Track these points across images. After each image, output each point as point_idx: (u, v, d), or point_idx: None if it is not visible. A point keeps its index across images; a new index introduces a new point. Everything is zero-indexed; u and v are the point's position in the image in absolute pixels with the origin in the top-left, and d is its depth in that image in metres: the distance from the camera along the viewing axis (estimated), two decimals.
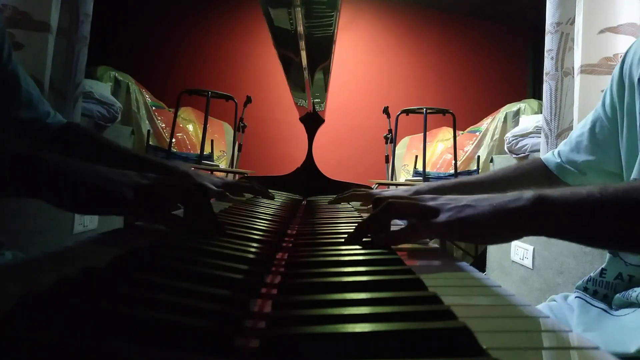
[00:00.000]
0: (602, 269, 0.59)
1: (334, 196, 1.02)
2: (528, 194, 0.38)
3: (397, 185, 2.56)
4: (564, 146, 0.73)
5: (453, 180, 0.85)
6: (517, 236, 0.39)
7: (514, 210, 0.38)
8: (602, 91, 1.28)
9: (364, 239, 0.45)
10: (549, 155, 0.76)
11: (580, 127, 0.71)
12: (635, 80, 0.57)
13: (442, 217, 0.40)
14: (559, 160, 0.73)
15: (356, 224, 0.47)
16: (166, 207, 0.47)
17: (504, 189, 0.49)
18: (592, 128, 0.68)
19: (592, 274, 0.60)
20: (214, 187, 0.85)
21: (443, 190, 0.85)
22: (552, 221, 0.37)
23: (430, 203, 0.43)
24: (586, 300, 0.59)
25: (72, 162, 0.40)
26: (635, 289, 0.53)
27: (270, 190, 0.99)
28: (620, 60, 0.63)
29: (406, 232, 0.44)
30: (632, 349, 0.46)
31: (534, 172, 0.76)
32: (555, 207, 0.37)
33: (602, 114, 0.66)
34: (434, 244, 0.52)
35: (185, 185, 0.47)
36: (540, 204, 0.37)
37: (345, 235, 0.47)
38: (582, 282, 0.62)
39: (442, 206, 0.42)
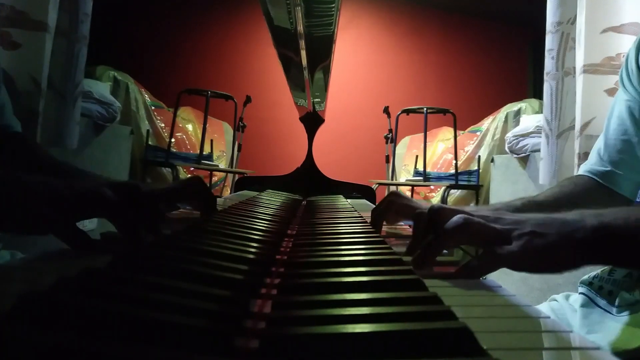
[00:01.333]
0: (611, 268, 0.59)
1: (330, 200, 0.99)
2: (591, 221, 0.38)
3: (397, 185, 2.56)
4: (605, 151, 0.67)
5: (518, 202, 0.70)
6: (583, 266, 0.39)
7: (580, 242, 0.37)
8: (605, 91, 1.28)
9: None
10: (593, 168, 0.69)
11: (615, 128, 0.66)
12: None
13: (515, 246, 0.38)
14: (601, 168, 0.67)
15: (359, 225, 0.46)
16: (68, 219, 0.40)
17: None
18: (631, 114, 0.63)
19: (599, 272, 0.60)
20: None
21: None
22: (611, 254, 0.38)
23: (499, 227, 0.39)
24: (589, 298, 0.59)
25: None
26: None
27: (270, 190, 0.99)
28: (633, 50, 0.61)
29: (488, 263, 0.39)
30: (633, 345, 0.46)
31: (586, 191, 0.69)
32: (620, 238, 0.37)
33: (630, 100, 0.62)
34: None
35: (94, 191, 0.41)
36: (606, 235, 0.37)
37: (345, 236, 0.47)
38: (587, 277, 0.61)
39: (510, 232, 0.39)
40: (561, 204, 0.67)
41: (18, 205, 0.37)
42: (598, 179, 0.67)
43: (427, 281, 0.31)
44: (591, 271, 0.62)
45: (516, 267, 0.38)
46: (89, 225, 1.67)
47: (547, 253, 0.37)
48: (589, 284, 0.60)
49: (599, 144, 0.69)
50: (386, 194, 0.88)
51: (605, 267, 0.60)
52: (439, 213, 0.42)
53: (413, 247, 0.45)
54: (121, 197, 0.42)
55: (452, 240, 0.40)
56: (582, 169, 0.71)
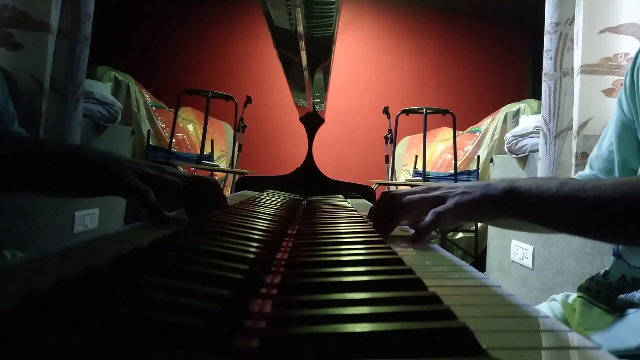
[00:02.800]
0: (606, 270, 0.59)
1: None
2: (503, 184, 0.50)
3: (397, 185, 2.56)
4: (595, 160, 0.70)
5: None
6: (494, 218, 0.52)
7: (492, 198, 0.50)
8: (603, 91, 1.29)
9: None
10: (581, 172, 0.73)
11: (607, 137, 0.68)
12: None
13: (449, 202, 0.52)
14: (593, 172, 0.70)
15: (356, 224, 0.48)
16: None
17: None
18: (617, 134, 0.65)
19: (594, 275, 0.60)
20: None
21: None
22: (517, 209, 0.49)
23: (437, 193, 0.54)
24: (588, 300, 0.59)
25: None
26: (639, 290, 0.53)
27: (270, 190, 0.99)
28: (630, 63, 0.62)
29: (433, 222, 0.52)
30: (633, 345, 0.46)
31: None
32: (520, 197, 0.48)
33: (623, 118, 0.65)
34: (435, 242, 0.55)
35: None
36: (510, 194, 0.49)
37: (345, 236, 0.47)
38: (584, 283, 0.62)
39: (447, 195, 0.53)
40: None
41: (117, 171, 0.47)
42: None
43: (426, 280, 0.31)
44: (589, 271, 0.62)
45: (451, 219, 0.52)
46: (89, 225, 1.67)
47: (472, 205, 0.51)
48: (586, 289, 0.61)
49: (594, 152, 0.71)
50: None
51: (600, 271, 0.60)
52: (394, 197, 0.57)
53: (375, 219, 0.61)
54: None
55: (404, 213, 0.55)
56: (577, 175, 0.74)
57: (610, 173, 0.67)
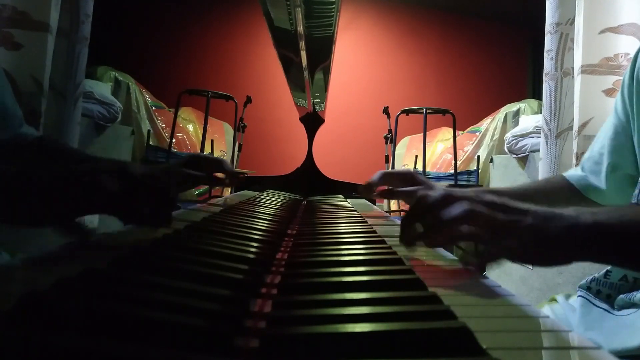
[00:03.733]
0: (607, 270, 0.59)
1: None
2: (585, 218, 0.39)
3: None
4: (587, 161, 0.71)
5: (484, 190, 0.80)
6: (576, 261, 0.39)
7: (575, 239, 0.38)
8: (603, 91, 1.29)
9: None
10: (571, 172, 0.73)
11: (600, 139, 0.68)
12: None
13: (517, 240, 0.38)
14: (581, 173, 0.70)
15: (356, 224, 0.46)
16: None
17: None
18: (612, 138, 0.65)
19: (596, 275, 0.60)
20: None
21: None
22: (609, 249, 0.39)
23: (503, 217, 0.39)
24: (589, 300, 0.59)
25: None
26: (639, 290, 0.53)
27: (270, 190, 0.99)
28: (630, 62, 0.62)
29: (491, 256, 0.40)
30: (633, 345, 0.46)
31: (558, 190, 0.73)
32: (610, 234, 0.38)
33: (616, 123, 0.65)
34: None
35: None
36: (597, 232, 0.38)
37: (345, 236, 0.47)
38: (585, 282, 0.62)
39: (515, 223, 0.39)
40: (529, 197, 0.72)
41: (24, 199, 0.37)
42: (575, 185, 0.70)
43: (427, 281, 0.31)
44: (588, 275, 0.62)
45: (515, 260, 0.39)
46: (89, 225, 1.67)
47: (545, 248, 0.38)
48: (587, 288, 0.61)
49: (588, 153, 0.71)
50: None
51: (601, 270, 0.60)
52: (446, 199, 0.41)
53: (405, 225, 0.43)
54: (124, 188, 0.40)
55: (454, 228, 0.40)
56: (568, 172, 0.74)
57: (598, 175, 0.67)
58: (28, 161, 0.72)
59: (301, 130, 1.41)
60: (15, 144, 0.72)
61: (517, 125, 2.42)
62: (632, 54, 0.65)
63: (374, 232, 0.54)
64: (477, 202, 0.40)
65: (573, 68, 1.38)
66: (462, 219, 0.39)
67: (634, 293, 0.53)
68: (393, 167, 2.69)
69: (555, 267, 0.40)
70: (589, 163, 0.70)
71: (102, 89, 2.09)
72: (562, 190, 0.72)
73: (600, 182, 0.67)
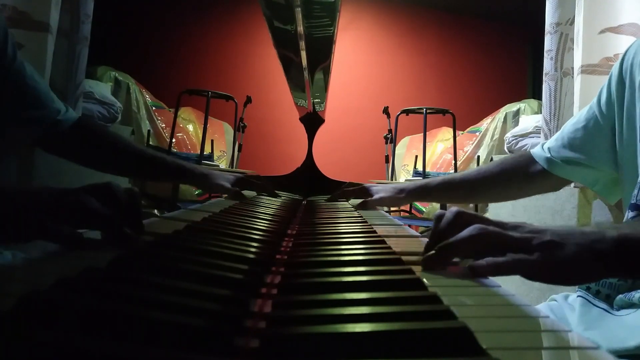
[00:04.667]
0: None
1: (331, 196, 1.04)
2: (610, 233, 0.37)
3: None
4: (554, 142, 0.73)
5: (438, 179, 0.86)
6: (602, 277, 0.39)
7: (599, 254, 0.37)
8: None
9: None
10: (537, 150, 0.76)
11: (572, 124, 0.70)
12: (637, 82, 0.57)
13: (535, 255, 0.37)
14: (548, 155, 0.73)
15: (356, 224, 0.46)
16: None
17: (489, 187, 0.48)
18: (586, 125, 0.67)
19: None
20: (228, 185, 0.89)
21: (428, 190, 0.87)
22: (632, 266, 0.37)
23: (516, 235, 0.39)
24: (588, 300, 0.59)
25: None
26: (639, 290, 0.53)
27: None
28: (620, 58, 0.63)
29: (507, 267, 0.37)
30: (631, 345, 0.46)
31: (520, 167, 0.76)
32: (638, 248, 0.36)
33: (597, 112, 0.66)
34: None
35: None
36: (623, 247, 0.36)
37: (345, 236, 0.47)
38: None
39: (530, 240, 0.38)
40: (483, 177, 0.78)
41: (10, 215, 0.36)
42: (539, 162, 0.74)
43: (427, 281, 0.32)
44: None
45: (533, 276, 0.37)
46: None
47: (567, 264, 0.37)
48: (587, 288, 0.61)
49: (558, 133, 0.73)
50: (377, 189, 0.94)
51: None
52: (461, 216, 0.41)
53: (430, 247, 0.42)
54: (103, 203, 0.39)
55: (466, 248, 0.39)
56: (536, 148, 0.76)
57: (568, 163, 0.69)
58: (66, 149, 0.79)
59: (301, 130, 1.41)
60: (52, 134, 0.75)
61: (517, 125, 2.42)
62: None
63: (374, 232, 0.54)
64: (490, 222, 0.40)
65: (573, 68, 1.38)
66: (473, 238, 0.38)
67: (633, 293, 0.53)
68: (393, 167, 2.69)
69: (576, 285, 0.38)
70: (557, 146, 0.72)
71: (102, 89, 2.09)
72: (521, 165, 0.76)
73: (568, 163, 0.69)
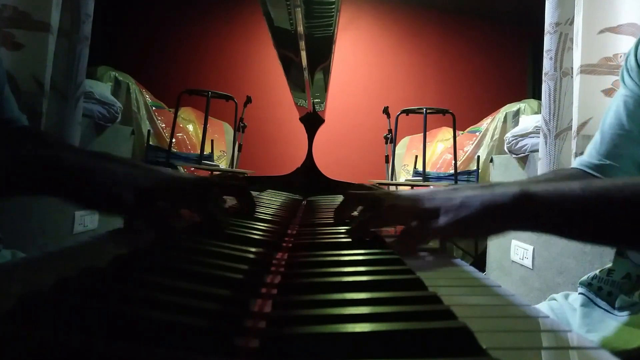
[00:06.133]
0: (610, 269, 0.59)
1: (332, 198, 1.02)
2: (514, 189, 0.40)
3: (397, 185, 2.56)
4: (597, 146, 0.67)
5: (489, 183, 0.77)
6: (505, 231, 0.41)
7: (500, 208, 0.40)
8: (603, 91, 1.29)
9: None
10: (581, 160, 0.69)
11: (609, 123, 0.65)
12: None
13: (443, 220, 0.42)
14: (597, 162, 0.66)
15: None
16: (163, 211, 0.45)
17: None
18: (627, 108, 0.62)
19: (597, 272, 0.60)
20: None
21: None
22: (535, 217, 0.39)
23: (429, 205, 0.44)
24: (589, 298, 0.59)
25: (85, 160, 0.41)
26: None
27: (270, 190, 0.99)
28: (633, 46, 0.61)
29: (416, 235, 0.45)
30: (633, 346, 0.46)
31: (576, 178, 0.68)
32: (538, 203, 0.39)
33: (629, 94, 0.62)
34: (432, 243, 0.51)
35: (186, 188, 0.47)
36: (524, 201, 0.39)
37: (345, 236, 0.47)
38: (586, 278, 0.61)
39: (441, 207, 0.43)
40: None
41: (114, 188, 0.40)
42: (591, 172, 0.66)
43: (427, 280, 0.31)
44: (589, 271, 0.62)
45: (444, 237, 0.45)
46: (89, 225, 1.67)
47: (471, 220, 0.41)
48: (588, 285, 0.60)
49: (595, 139, 0.68)
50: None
51: (604, 268, 0.60)
52: (376, 201, 0.50)
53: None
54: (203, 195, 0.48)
55: (380, 220, 0.48)
56: (576, 162, 0.69)
57: (616, 158, 0.63)
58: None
59: (301, 130, 1.41)
60: None
61: (517, 125, 2.42)
62: None
63: (374, 232, 0.54)
64: (408, 198, 0.47)
65: (572, 68, 1.38)
66: (385, 212, 0.46)
67: (635, 292, 0.53)
68: (393, 167, 2.69)
69: (488, 237, 0.44)
70: (606, 147, 0.65)
71: (102, 89, 2.08)
72: (576, 179, 0.67)
73: (629, 160, 0.63)
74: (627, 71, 0.62)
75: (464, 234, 0.43)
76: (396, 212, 0.46)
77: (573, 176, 0.68)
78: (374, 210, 0.48)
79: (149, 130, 2.58)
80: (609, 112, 0.66)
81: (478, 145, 2.80)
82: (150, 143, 2.51)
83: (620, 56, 1.26)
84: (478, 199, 0.41)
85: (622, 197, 0.35)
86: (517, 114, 2.70)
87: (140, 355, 0.17)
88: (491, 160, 2.39)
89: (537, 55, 3.48)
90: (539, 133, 1.51)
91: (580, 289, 0.62)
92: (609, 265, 0.59)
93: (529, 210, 0.39)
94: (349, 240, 0.48)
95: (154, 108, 2.77)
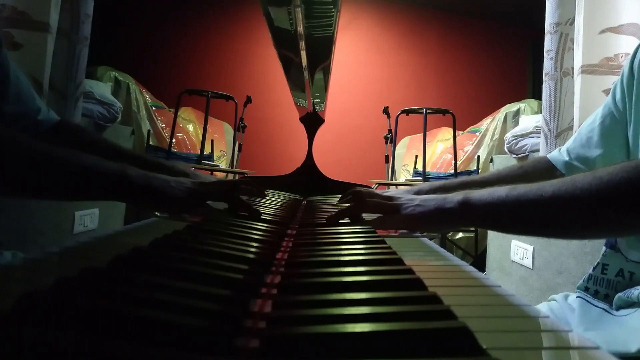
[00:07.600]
0: (603, 265, 0.59)
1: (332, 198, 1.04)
2: (458, 196, 0.53)
3: (397, 185, 2.56)
4: (573, 143, 0.73)
5: (456, 181, 0.85)
6: (452, 228, 0.54)
7: (447, 211, 0.53)
8: (604, 91, 1.29)
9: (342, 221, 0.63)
10: (555, 154, 0.76)
11: (589, 123, 0.70)
12: None
13: (402, 213, 0.57)
14: (567, 159, 0.72)
15: (359, 225, 0.51)
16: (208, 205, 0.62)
17: None
18: (603, 122, 0.67)
19: (591, 271, 0.60)
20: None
21: (445, 190, 0.85)
22: (473, 219, 0.53)
23: (394, 202, 0.59)
24: (587, 300, 0.59)
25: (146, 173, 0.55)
26: (637, 287, 0.53)
27: (270, 190, 1.00)
28: (631, 54, 0.63)
29: (377, 222, 0.59)
30: (633, 348, 0.46)
31: (538, 172, 0.76)
32: (474, 208, 0.51)
33: (613, 109, 0.66)
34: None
35: (226, 188, 0.63)
36: (464, 206, 0.51)
37: (346, 235, 0.47)
38: (582, 282, 0.62)
39: (402, 205, 0.57)
40: (502, 181, 0.77)
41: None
42: (556, 165, 0.75)
43: (427, 281, 0.31)
44: (583, 275, 0.62)
45: (401, 226, 0.60)
46: (89, 225, 1.67)
47: (422, 219, 0.55)
48: (585, 289, 0.61)
49: (574, 135, 0.74)
50: (385, 193, 0.91)
51: (597, 263, 0.61)
52: (358, 194, 0.65)
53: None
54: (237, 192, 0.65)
55: (351, 212, 0.63)
56: (552, 154, 0.77)
57: (587, 163, 0.69)
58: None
59: (301, 130, 1.41)
60: (31, 135, 0.74)
61: (517, 125, 2.42)
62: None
63: (374, 232, 0.54)
64: (378, 195, 0.63)
65: (573, 68, 1.38)
66: (358, 205, 0.62)
67: (632, 290, 0.53)
68: (393, 167, 2.69)
69: (438, 232, 0.55)
70: (575, 147, 0.72)
71: (102, 89, 2.08)
72: (540, 171, 0.78)
73: (588, 164, 0.69)
74: (622, 83, 0.63)
75: (416, 226, 0.57)
76: (367, 206, 0.61)
77: (542, 169, 0.78)
78: (352, 204, 0.64)
79: (149, 130, 2.58)
80: (596, 115, 0.69)
81: (478, 145, 2.80)
82: (150, 143, 2.51)
83: (622, 56, 1.26)
84: (432, 202, 0.55)
85: (535, 199, 0.45)
86: (517, 114, 2.70)
87: (140, 355, 0.17)
88: (491, 160, 2.39)
89: (538, 55, 3.48)
90: (539, 133, 1.51)
91: (577, 293, 0.62)
92: (602, 260, 0.60)
93: (466, 212, 0.51)
94: (349, 240, 0.48)
95: (154, 108, 2.77)
